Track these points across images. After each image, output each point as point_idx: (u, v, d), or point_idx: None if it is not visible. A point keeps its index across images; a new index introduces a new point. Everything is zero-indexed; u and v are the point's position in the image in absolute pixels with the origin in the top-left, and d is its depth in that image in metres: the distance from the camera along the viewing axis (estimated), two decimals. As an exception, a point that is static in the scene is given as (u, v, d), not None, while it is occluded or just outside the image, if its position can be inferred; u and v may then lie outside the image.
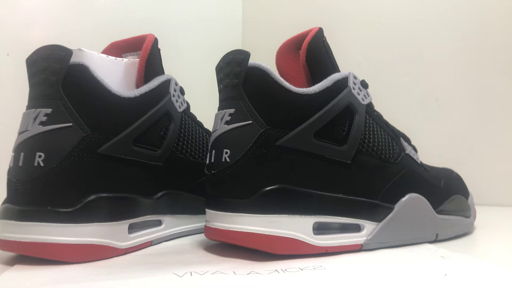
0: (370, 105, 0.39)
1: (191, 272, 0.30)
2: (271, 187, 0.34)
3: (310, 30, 0.38)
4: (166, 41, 0.45)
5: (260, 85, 0.35)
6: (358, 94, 0.38)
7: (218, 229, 0.35)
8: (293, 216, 0.35)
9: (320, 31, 0.38)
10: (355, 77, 0.38)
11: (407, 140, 0.43)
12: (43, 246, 0.31)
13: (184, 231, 0.43)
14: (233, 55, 0.35)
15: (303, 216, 0.35)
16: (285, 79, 0.38)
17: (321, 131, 0.36)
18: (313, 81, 0.38)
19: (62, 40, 0.35)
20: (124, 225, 0.36)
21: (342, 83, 0.37)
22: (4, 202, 0.33)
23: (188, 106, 0.44)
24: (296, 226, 0.35)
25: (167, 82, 0.40)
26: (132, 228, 0.37)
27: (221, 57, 0.37)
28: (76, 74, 0.33)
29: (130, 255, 0.36)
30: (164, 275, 0.30)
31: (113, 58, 0.38)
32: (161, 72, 0.41)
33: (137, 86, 0.39)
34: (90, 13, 0.65)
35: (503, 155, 0.72)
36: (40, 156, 0.32)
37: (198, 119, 0.46)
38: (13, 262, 0.33)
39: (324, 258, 0.35)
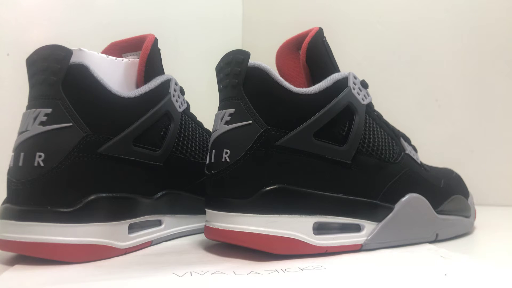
0: (370, 105, 0.39)
1: (191, 272, 0.30)
2: (271, 187, 0.34)
3: (310, 30, 0.38)
4: (166, 41, 0.45)
5: (260, 85, 0.35)
6: (358, 94, 0.38)
7: (218, 229, 0.35)
8: (293, 216, 0.35)
9: (320, 31, 0.38)
10: (355, 77, 0.38)
11: (407, 140, 0.43)
12: (43, 246, 0.31)
13: (184, 231, 0.43)
14: (233, 55, 0.35)
15: (303, 216, 0.35)
16: (285, 79, 0.38)
17: (321, 131, 0.36)
18: (313, 81, 0.38)
19: (62, 40, 0.35)
20: (124, 225, 0.36)
21: (342, 83, 0.37)
22: (4, 202, 0.33)
23: (188, 106, 0.44)
24: (296, 226, 0.35)
25: (167, 82, 0.40)
26: (132, 228, 0.37)
27: (221, 57, 0.37)
28: (76, 74, 0.33)
29: (130, 255, 0.36)
30: (164, 275, 0.30)
31: (113, 58, 0.38)
32: (161, 72, 0.41)
33: (137, 86, 0.39)
34: (90, 13, 0.65)
35: (503, 155, 0.72)
36: (40, 156, 0.32)
37: (198, 119, 0.46)
38: (13, 262, 0.33)
39: (324, 258, 0.35)
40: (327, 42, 0.38)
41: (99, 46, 0.41)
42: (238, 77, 0.35)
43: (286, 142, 0.35)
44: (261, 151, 0.34)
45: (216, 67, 0.37)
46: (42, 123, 0.32)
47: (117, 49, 0.41)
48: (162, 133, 0.39)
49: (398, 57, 0.77)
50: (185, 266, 0.32)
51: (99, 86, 0.34)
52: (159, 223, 0.41)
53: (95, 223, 0.33)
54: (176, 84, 0.42)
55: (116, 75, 0.37)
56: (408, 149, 0.41)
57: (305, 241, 0.35)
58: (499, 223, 0.55)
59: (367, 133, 0.38)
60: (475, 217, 0.48)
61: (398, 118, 0.45)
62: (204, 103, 0.51)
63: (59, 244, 0.32)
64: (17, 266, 0.32)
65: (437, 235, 0.41)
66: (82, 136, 0.33)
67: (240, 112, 0.35)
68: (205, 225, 0.37)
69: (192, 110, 0.45)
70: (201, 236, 0.41)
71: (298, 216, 0.35)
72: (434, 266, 0.33)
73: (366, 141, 0.38)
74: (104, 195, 0.34)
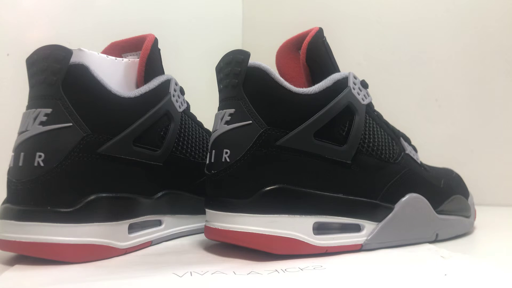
0: (370, 105, 0.39)
1: (191, 272, 0.30)
2: (271, 187, 0.34)
3: (310, 30, 0.38)
4: (166, 41, 0.45)
5: (260, 85, 0.35)
6: (358, 94, 0.38)
7: (218, 229, 0.35)
8: (293, 216, 0.35)
9: (320, 31, 0.38)
10: (355, 77, 0.38)
11: (407, 140, 0.43)
12: (43, 246, 0.31)
13: (184, 231, 0.43)
14: (233, 55, 0.35)
15: (303, 216, 0.35)
16: (285, 79, 0.38)
17: (321, 131, 0.36)
18: (313, 81, 0.38)
19: (62, 40, 0.35)
20: (124, 225, 0.36)
21: (342, 83, 0.37)
22: (4, 202, 0.33)
23: (188, 106, 0.44)
24: (296, 226, 0.35)
25: (167, 82, 0.40)
26: (132, 228, 0.37)
27: (221, 57, 0.37)
28: (76, 74, 0.33)
29: (130, 255, 0.36)
30: (164, 275, 0.30)
31: (113, 58, 0.38)
32: (161, 72, 0.41)
33: (137, 86, 0.39)
34: (90, 13, 0.65)
35: (503, 155, 0.72)
36: (40, 156, 0.32)
37: (198, 119, 0.46)
38: (13, 262, 0.33)
39: (324, 258, 0.35)
40: (327, 42, 0.38)
41: (99, 46, 0.41)
42: (238, 77, 0.35)
43: (286, 142, 0.35)
44: (261, 151, 0.34)
45: (216, 67, 0.37)
46: (42, 123, 0.32)
47: (117, 49, 0.41)
48: (162, 133, 0.39)
49: (398, 57, 0.77)
50: (185, 266, 0.32)
51: (99, 86, 0.34)
52: (159, 223, 0.41)
53: (95, 223, 0.33)
54: (176, 84, 0.42)
55: (116, 75, 0.37)
56: (408, 149, 0.41)
57: (305, 241, 0.35)
58: (499, 223, 0.55)
59: (367, 133, 0.38)
60: (475, 217, 0.48)
61: (398, 118, 0.45)
62: (204, 103, 0.51)
63: (59, 244, 0.32)
64: (17, 266, 0.32)
65: (437, 235, 0.41)
66: (82, 136, 0.33)
67: (240, 112, 0.35)
68: (205, 225, 0.37)
69: (192, 110, 0.45)
70: (201, 236, 0.41)
71: (298, 216, 0.35)
72: (434, 266, 0.33)
73: (366, 141, 0.38)
74: (104, 195, 0.34)
